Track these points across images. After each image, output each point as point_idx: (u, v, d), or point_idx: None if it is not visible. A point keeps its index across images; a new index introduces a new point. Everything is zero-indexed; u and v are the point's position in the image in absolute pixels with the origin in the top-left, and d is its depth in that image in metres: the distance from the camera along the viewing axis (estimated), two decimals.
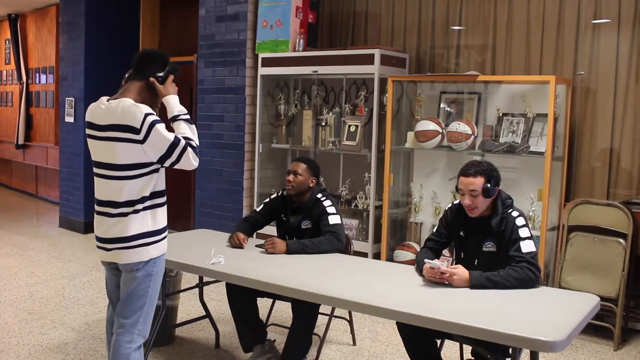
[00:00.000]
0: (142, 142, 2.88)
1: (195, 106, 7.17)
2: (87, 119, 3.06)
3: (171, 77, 3.10)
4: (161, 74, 3.05)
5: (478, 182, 3.28)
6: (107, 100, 3.00)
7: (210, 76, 6.87)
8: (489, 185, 3.27)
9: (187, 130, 3.02)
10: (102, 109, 2.96)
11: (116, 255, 3.01)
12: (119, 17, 8.47)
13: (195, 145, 3.00)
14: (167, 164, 2.96)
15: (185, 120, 3.06)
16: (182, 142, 2.94)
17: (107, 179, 2.99)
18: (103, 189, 3.03)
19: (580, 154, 5.17)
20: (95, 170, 3.06)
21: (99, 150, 3.01)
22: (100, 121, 2.96)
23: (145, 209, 3.00)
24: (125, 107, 2.90)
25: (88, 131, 3.04)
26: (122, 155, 2.91)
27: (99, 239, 3.07)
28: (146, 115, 2.88)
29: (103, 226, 3.02)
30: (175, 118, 3.06)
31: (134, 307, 3.03)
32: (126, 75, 3.15)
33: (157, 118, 2.93)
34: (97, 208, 3.07)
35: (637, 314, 4.87)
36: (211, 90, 6.86)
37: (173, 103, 3.07)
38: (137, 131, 2.87)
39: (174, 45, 8.43)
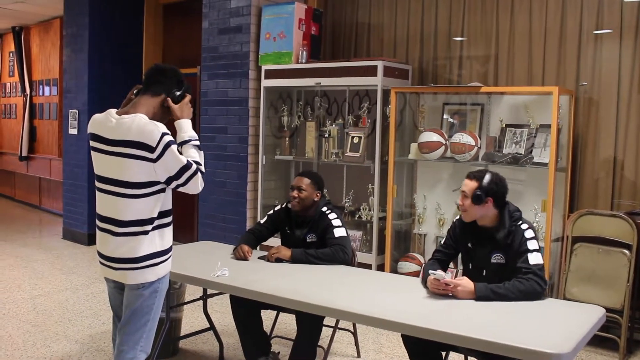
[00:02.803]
0: (154, 160, 2.83)
1: (199, 118, 7.19)
2: (92, 130, 2.99)
3: (188, 98, 3.06)
4: (178, 92, 3.01)
5: (471, 185, 3.31)
6: (117, 114, 2.93)
7: (214, 88, 6.89)
8: (479, 192, 3.27)
9: (197, 156, 2.99)
10: (113, 123, 2.89)
11: (123, 275, 2.95)
12: (123, 30, 8.50)
13: (203, 171, 2.99)
14: (173, 185, 2.93)
15: (196, 146, 3.02)
16: (194, 166, 2.92)
17: (111, 195, 2.92)
18: (105, 205, 2.96)
19: (584, 165, 5.16)
20: (98, 184, 2.99)
21: (105, 165, 2.94)
22: (111, 135, 2.89)
23: (153, 229, 2.95)
24: (142, 125, 2.84)
25: (94, 144, 2.98)
26: (132, 172, 2.86)
27: (104, 257, 3.00)
28: (163, 134, 2.83)
29: (108, 244, 2.95)
30: (186, 142, 3.00)
31: (138, 324, 2.99)
32: (135, 90, 3.11)
33: (173, 139, 2.88)
34: (99, 224, 3.01)
35: None
36: (214, 102, 6.88)
37: (186, 127, 3.02)
38: (152, 150, 2.82)
39: (177, 57, 8.46)
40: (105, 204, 2.97)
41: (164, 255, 3.02)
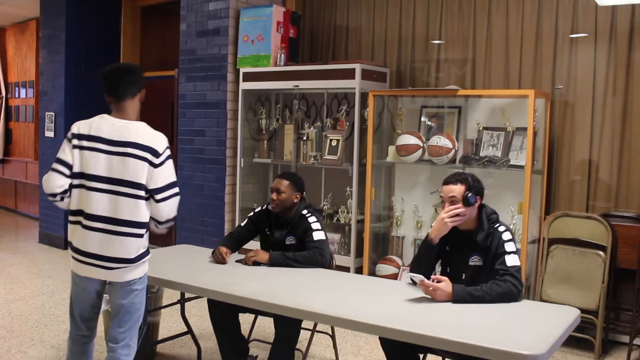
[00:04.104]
0: (156, 166, 3.05)
1: (177, 121, 7.16)
2: (89, 132, 3.06)
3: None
4: None
5: (458, 189, 3.31)
6: (114, 118, 3.10)
7: (192, 91, 6.86)
8: (469, 193, 3.29)
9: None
10: (115, 127, 3.06)
11: (115, 274, 3.09)
12: (100, 32, 8.43)
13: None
14: (157, 197, 3.08)
15: None
16: (178, 188, 3.17)
17: (112, 194, 3.03)
18: (103, 204, 3.04)
19: (560, 167, 5.22)
20: (93, 184, 3.04)
21: (106, 164, 3.04)
22: (114, 137, 3.04)
23: (146, 231, 3.16)
24: (152, 131, 3.11)
25: (90, 144, 3.05)
26: (134, 172, 3.02)
27: (91, 255, 3.06)
28: (167, 147, 3.13)
29: (102, 243, 3.04)
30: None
31: (133, 320, 3.18)
32: (114, 94, 3.15)
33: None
34: (89, 223, 3.05)
35: (617, 326, 4.91)
36: (192, 105, 6.86)
37: None
38: (158, 155, 3.06)
39: (155, 60, 8.42)
40: (103, 204, 3.04)
41: (149, 253, 3.23)
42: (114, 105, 3.15)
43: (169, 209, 3.14)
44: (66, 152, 3.08)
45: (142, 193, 3.06)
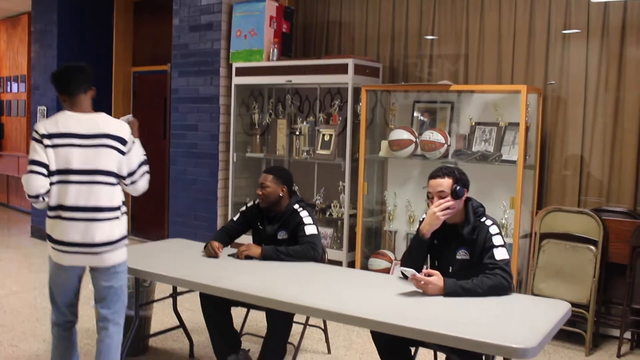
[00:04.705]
0: (125, 154, 3.29)
1: (169, 116, 7.15)
2: (58, 130, 3.20)
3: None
4: None
5: (446, 183, 3.31)
6: (75, 113, 3.28)
7: (184, 85, 6.85)
8: (457, 186, 3.29)
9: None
10: (81, 121, 3.25)
11: (100, 258, 3.27)
12: (92, 26, 8.40)
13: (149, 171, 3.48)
14: (128, 181, 3.35)
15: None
16: (147, 166, 3.44)
17: (90, 184, 3.21)
18: (82, 195, 3.19)
19: (552, 162, 5.23)
20: (71, 177, 3.19)
21: (81, 158, 3.20)
22: (84, 130, 3.22)
23: (123, 214, 3.35)
24: (114, 121, 3.35)
25: (64, 140, 3.19)
26: (106, 161, 3.24)
27: (76, 245, 3.22)
28: (130, 132, 3.37)
29: (84, 232, 3.21)
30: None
31: (121, 302, 3.44)
32: (66, 92, 3.32)
33: None
34: (70, 214, 3.20)
35: (608, 320, 4.93)
36: (185, 100, 6.84)
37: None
38: (125, 143, 3.30)
39: (147, 54, 8.40)
40: (81, 195, 3.20)
41: (127, 238, 3.43)
42: (68, 104, 3.32)
43: (142, 186, 3.42)
44: (39, 153, 3.19)
45: (114, 180, 3.28)
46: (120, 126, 3.34)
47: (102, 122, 3.29)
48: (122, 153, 3.29)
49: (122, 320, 3.48)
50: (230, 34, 6.44)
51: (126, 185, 3.37)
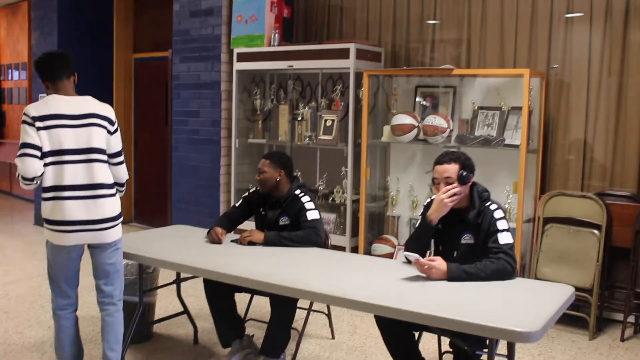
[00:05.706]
0: (112, 133, 3.41)
1: (171, 102, 7.13)
2: (49, 112, 3.26)
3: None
4: None
5: (452, 168, 3.30)
6: (62, 96, 3.37)
7: (186, 71, 6.83)
8: (463, 172, 3.28)
9: None
10: (69, 102, 3.34)
11: (103, 235, 3.36)
12: (92, 13, 8.37)
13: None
14: (115, 160, 3.44)
15: None
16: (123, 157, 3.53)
17: (86, 162, 3.29)
18: (79, 174, 3.28)
19: (555, 147, 5.22)
20: (66, 157, 3.26)
21: (75, 137, 3.28)
22: (74, 111, 3.31)
23: (116, 192, 3.47)
24: (100, 103, 3.45)
25: (56, 122, 3.26)
26: (101, 139, 3.34)
27: (79, 223, 3.28)
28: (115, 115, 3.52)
29: (90, 209, 3.29)
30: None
31: (120, 279, 3.56)
32: (49, 79, 3.40)
33: None
34: (68, 194, 3.27)
35: (611, 304, 4.94)
36: (186, 86, 6.83)
37: None
38: (112, 123, 3.42)
39: (148, 41, 8.37)
40: (80, 173, 3.28)
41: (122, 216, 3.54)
42: (52, 90, 3.39)
43: (123, 172, 3.50)
44: (32, 136, 3.24)
45: (105, 157, 3.39)
46: (107, 107, 3.47)
47: (90, 103, 3.40)
48: (110, 133, 3.40)
49: (122, 295, 3.62)
50: (231, 19, 6.40)
51: (112, 165, 3.45)
